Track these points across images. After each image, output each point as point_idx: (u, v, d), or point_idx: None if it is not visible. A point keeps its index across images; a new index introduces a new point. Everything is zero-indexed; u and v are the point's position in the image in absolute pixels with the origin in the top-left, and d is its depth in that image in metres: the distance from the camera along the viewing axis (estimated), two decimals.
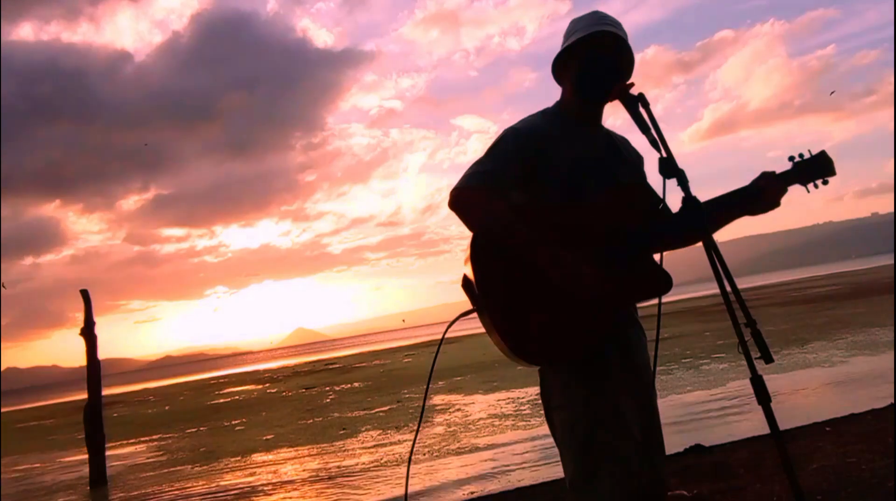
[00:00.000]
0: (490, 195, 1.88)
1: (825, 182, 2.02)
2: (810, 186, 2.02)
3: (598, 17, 2.04)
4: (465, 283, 1.92)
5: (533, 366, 1.92)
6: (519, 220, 1.86)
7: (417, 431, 2.28)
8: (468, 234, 1.99)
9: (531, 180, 1.93)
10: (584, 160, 1.99)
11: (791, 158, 2.02)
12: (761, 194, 1.99)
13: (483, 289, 1.84)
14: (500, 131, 2.02)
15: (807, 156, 2.02)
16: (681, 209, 1.93)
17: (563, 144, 1.98)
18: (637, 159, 2.15)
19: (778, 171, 2.04)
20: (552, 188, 1.94)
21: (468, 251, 1.89)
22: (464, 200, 1.90)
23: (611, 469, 1.83)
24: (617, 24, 2.03)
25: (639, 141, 1.99)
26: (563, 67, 2.07)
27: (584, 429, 1.86)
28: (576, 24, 2.06)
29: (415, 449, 7.51)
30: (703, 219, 1.86)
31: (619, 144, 2.11)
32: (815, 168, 2.01)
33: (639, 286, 1.93)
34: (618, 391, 1.90)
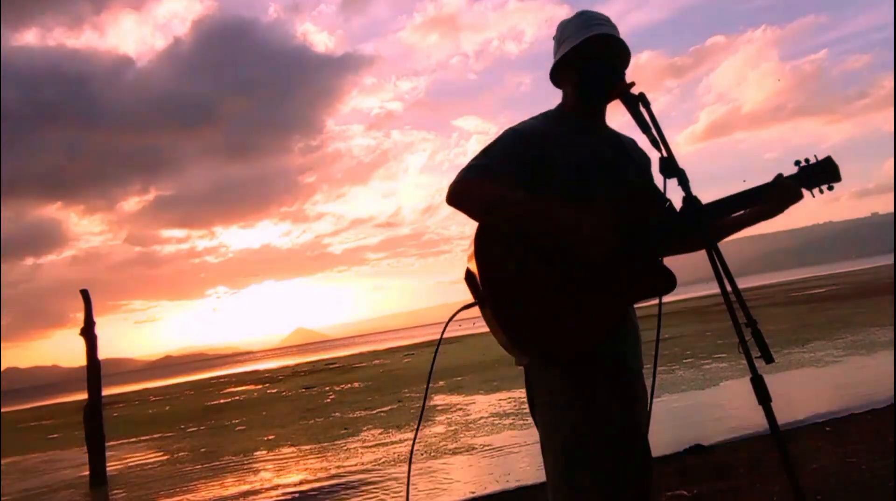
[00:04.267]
0: (489, 183, 1.86)
1: (830, 187, 1.98)
2: (815, 191, 1.99)
3: (588, 18, 2.01)
4: (468, 276, 1.91)
5: (526, 359, 1.91)
6: (519, 190, 1.85)
7: (417, 430, 2.28)
8: (469, 233, 1.98)
9: (532, 183, 1.89)
10: (589, 161, 1.96)
11: (797, 163, 1.98)
12: (780, 194, 1.95)
13: (486, 280, 1.83)
14: (500, 131, 1.99)
15: (812, 161, 1.98)
16: (681, 210, 1.91)
17: (566, 146, 1.95)
18: (645, 161, 2.11)
19: (782, 173, 2.00)
20: (555, 190, 1.90)
21: (472, 246, 1.88)
22: (462, 190, 1.88)
23: (591, 480, 1.80)
24: (607, 21, 2.01)
25: (640, 140, 1.99)
26: (562, 71, 2.05)
27: (567, 434, 1.83)
28: (567, 28, 2.03)
29: (415, 449, 7.52)
30: (702, 220, 1.86)
31: (626, 145, 2.08)
32: (821, 173, 1.97)
33: (643, 283, 1.91)
34: (608, 398, 1.86)
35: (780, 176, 1.99)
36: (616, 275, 1.86)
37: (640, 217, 1.91)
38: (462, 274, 1.96)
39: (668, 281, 1.92)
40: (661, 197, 1.94)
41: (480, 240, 1.86)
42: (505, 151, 1.91)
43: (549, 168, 1.91)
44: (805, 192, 1.99)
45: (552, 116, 2.04)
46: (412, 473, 6.33)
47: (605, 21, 2.00)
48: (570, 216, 1.81)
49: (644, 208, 1.93)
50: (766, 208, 1.99)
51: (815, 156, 1.98)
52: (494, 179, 1.87)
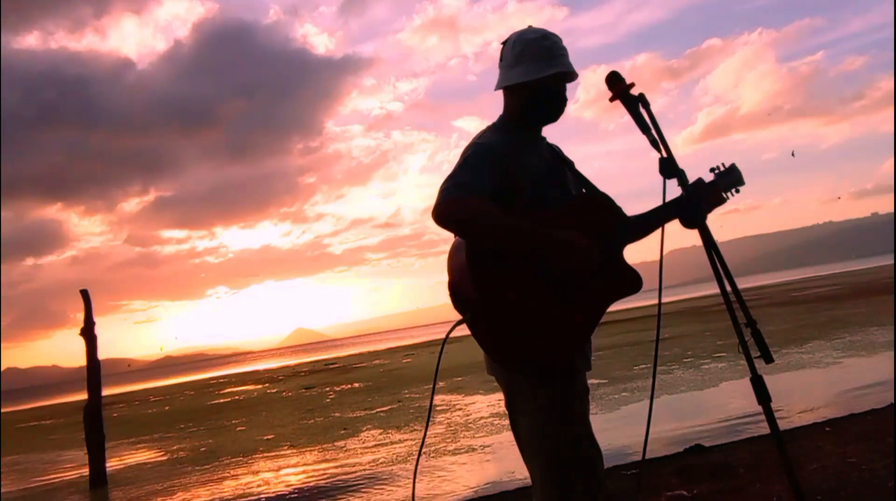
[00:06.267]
0: (480, 201, 1.84)
1: (737, 191, 2.16)
2: (729, 193, 2.15)
3: (553, 47, 1.99)
4: (455, 292, 1.92)
5: (509, 369, 1.97)
6: (514, 215, 1.87)
7: (425, 435, 2.31)
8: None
9: (500, 197, 1.91)
10: (543, 172, 2.01)
11: (712, 170, 2.14)
12: (700, 201, 2.04)
13: (482, 296, 1.84)
14: (467, 146, 2.00)
15: (722, 168, 2.15)
16: (679, 199, 1.97)
17: (523, 159, 1.99)
18: (572, 164, 2.16)
19: (702, 178, 2.13)
20: (519, 202, 1.94)
21: (464, 262, 1.87)
22: (455, 211, 1.84)
23: (586, 482, 1.86)
24: (566, 51, 2.01)
25: (640, 141, 2.00)
26: (516, 88, 2.03)
27: (555, 439, 1.89)
28: (529, 47, 1.98)
29: (414, 449, 7.52)
30: (699, 215, 1.92)
31: (556, 151, 2.14)
32: (731, 178, 2.14)
33: (615, 285, 1.96)
34: (584, 401, 1.95)
35: (700, 180, 2.09)
36: (594, 281, 1.91)
37: (601, 221, 1.97)
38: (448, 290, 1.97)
39: (636, 281, 1.98)
40: (611, 204, 2.02)
41: (475, 256, 1.85)
42: (482, 166, 1.91)
43: (513, 182, 1.94)
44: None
45: (504, 130, 2.05)
46: (411, 474, 6.33)
47: (565, 52, 2.01)
48: (556, 236, 1.84)
49: (597, 216, 1.98)
50: (695, 214, 2.04)
51: (722, 164, 2.16)
52: (479, 196, 1.85)
